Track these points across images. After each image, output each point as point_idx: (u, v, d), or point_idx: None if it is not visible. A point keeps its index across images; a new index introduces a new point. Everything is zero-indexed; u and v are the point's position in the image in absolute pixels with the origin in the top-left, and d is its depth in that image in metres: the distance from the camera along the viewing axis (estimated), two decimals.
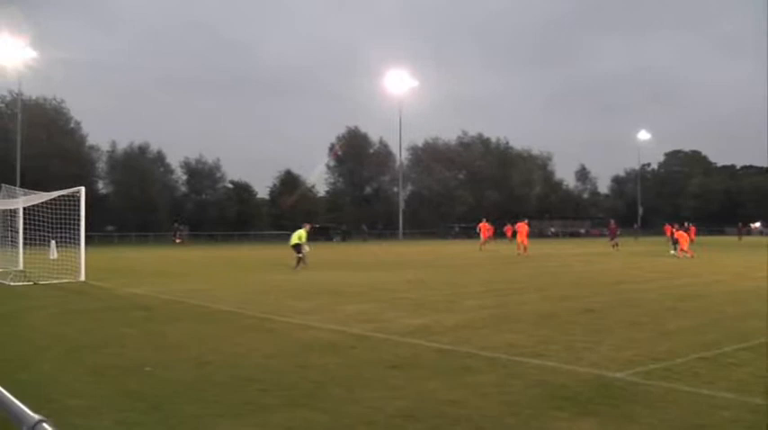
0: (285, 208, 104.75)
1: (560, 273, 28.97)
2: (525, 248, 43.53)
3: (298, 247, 31.79)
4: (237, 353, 11.08)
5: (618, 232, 52.35)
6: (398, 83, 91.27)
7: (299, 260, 31.29)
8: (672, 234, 45.58)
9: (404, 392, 8.36)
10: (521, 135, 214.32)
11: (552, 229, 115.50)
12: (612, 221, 55.25)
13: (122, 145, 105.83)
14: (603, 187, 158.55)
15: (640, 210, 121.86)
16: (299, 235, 32.06)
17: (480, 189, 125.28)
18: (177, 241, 75.06)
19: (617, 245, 49.48)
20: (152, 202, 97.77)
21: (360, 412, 7.55)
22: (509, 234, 56.23)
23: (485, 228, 51.34)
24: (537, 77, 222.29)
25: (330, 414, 7.50)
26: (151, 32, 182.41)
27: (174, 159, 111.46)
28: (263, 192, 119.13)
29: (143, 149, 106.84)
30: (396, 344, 11.73)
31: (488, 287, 22.37)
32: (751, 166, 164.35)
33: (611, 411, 7.49)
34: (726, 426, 7.04)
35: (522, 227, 44.91)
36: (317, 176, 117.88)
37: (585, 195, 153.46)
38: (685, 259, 37.70)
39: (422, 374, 9.37)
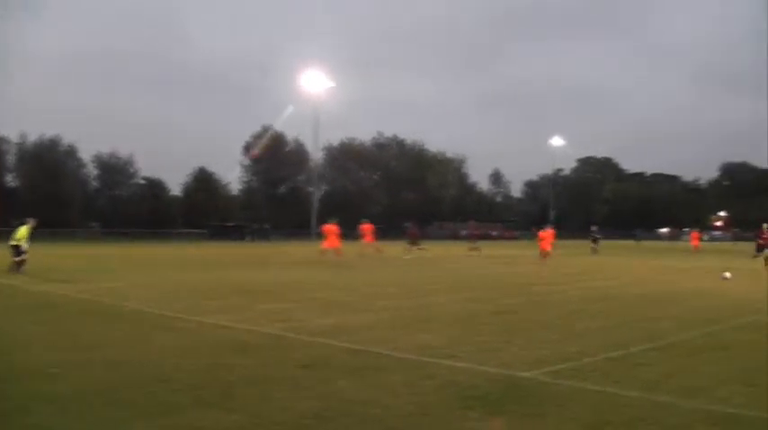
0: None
1: (472, 274, 29.25)
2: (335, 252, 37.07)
3: (17, 249, 27.44)
4: (149, 353, 10.87)
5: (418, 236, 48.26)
6: (315, 83, 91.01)
7: (19, 264, 26.95)
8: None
9: (314, 392, 8.31)
10: (437, 137, 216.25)
11: (465, 232, 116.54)
12: (410, 224, 51.55)
13: (33, 137, 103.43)
14: (517, 191, 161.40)
15: (552, 215, 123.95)
16: (21, 233, 27.73)
17: (396, 190, 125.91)
18: None
19: (416, 247, 44.94)
20: (63, 197, 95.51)
21: (270, 412, 7.48)
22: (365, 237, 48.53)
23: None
24: (453, 81, 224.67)
25: (240, 414, 7.40)
26: (68, 22, 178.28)
27: (88, 154, 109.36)
28: (177, 189, 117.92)
29: (54, 142, 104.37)
30: (307, 344, 11.68)
31: (401, 288, 22.43)
32: (660, 174, 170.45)
33: (521, 410, 7.57)
34: (631, 423, 7.19)
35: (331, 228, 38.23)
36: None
37: (499, 199, 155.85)
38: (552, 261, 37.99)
39: (332, 374, 9.33)
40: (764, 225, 37.48)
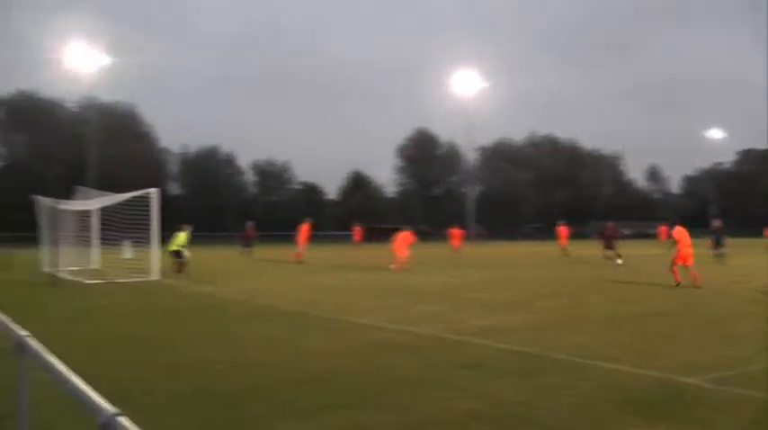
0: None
1: (629, 274, 28.51)
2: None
3: (178, 253, 28.82)
4: (305, 354, 11.16)
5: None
6: (467, 83, 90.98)
7: (181, 266, 28.31)
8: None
9: (472, 393, 8.33)
10: (590, 134, 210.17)
11: (626, 231, 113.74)
12: (610, 224, 40.03)
13: (193, 148, 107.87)
14: (675, 187, 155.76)
15: (713, 210, 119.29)
16: (179, 239, 29.04)
17: (549, 189, 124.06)
18: None
19: (613, 252, 37.36)
20: (222, 204, 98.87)
21: (428, 412, 7.55)
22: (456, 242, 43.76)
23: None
24: (607, 75, 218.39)
25: (397, 414, 7.50)
26: (221, 38, 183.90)
27: (245, 161, 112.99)
28: (332, 193, 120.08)
29: (213, 152, 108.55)
30: (465, 345, 11.72)
31: (558, 289, 22.14)
32: None
33: (684, 416, 7.35)
34: None
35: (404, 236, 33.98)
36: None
37: (657, 195, 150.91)
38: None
39: (490, 375, 9.34)
40: None
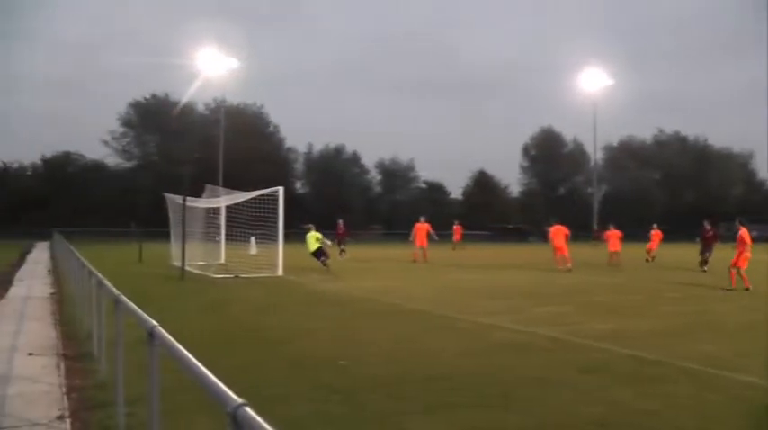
0: None
1: (759, 280, 27.37)
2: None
3: (317, 254, 28.80)
4: (428, 352, 11.22)
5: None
6: (593, 81, 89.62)
7: (325, 262, 28.54)
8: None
9: (595, 398, 8.23)
10: (720, 132, 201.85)
11: (755, 233, 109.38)
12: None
13: (318, 147, 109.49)
14: None
15: None
16: (313, 241, 28.90)
17: (676, 189, 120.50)
18: None
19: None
20: (346, 202, 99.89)
21: (551, 416, 7.51)
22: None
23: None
24: (735, 70, 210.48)
25: (522, 415, 7.49)
26: (347, 39, 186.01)
27: (370, 160, 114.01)
28: (456, 192, 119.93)
29: (338, 151, 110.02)
30: (588, 349, 11.55)
31: (684, 293, 21.58)
32: None
33: None
34: None
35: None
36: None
37: None
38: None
39: (614, 381, 9.19)
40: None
